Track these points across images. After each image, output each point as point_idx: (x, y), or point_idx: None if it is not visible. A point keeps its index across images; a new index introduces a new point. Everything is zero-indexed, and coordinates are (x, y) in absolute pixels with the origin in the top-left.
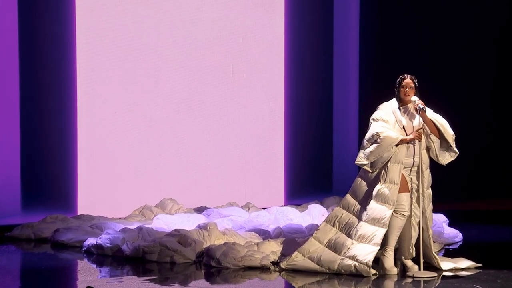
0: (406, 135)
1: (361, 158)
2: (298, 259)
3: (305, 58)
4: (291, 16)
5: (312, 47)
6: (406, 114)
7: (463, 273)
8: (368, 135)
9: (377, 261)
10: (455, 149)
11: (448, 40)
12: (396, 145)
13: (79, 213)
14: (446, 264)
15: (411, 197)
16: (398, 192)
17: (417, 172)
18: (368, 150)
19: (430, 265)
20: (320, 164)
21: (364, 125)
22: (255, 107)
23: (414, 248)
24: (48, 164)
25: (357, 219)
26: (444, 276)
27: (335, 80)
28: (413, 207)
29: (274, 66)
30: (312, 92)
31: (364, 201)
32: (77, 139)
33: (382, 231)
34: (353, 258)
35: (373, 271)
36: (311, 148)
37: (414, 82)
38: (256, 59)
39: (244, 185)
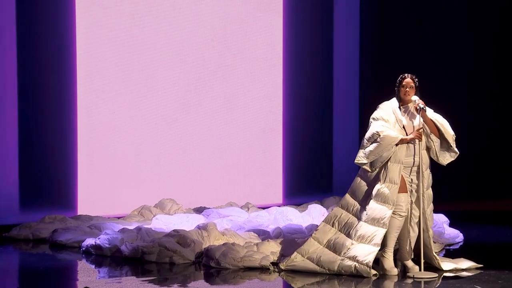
0: (406, 135)
1: (361, 157)
2: (297, 259)
3: (305, 57)
4: (290, 16)
5: (312, 46)
6: (406, 114)
7: (464, 273)
8: (368, 134)
9: (377, 262)
10: (455, 149)
11: (448, 40)
12: (396, 145)
13: (79, 213)
14: (447, 264)
15: (410, 198)
16: (397, 193)
17: (417, 172)
18: (368, 149)
19: (431, 266)
20: (320, 164)
21: (364, 124)
22: (254, 107)
23: (412, 249)
24: (47, 164)
25: (356, 219)
26: (444, 277)
27: (335, 79)
28: (412, 208)
29: (272, 66)
30: (311, 92)
31: (364, 201)
32: (77, 139)
33: (382, 231)
34: (353, 258)
35: (373, 271)
36: (311, 147)
37: (414, 82)
38: (254, 59)
39: (243, 184)
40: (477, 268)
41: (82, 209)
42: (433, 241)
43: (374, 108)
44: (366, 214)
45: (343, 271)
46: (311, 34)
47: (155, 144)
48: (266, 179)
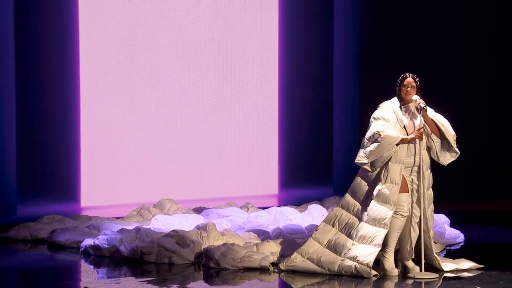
0: (407, 135)
1: (361, 157)
2: (297, 260)
3: (304, 56)
4: (290, 14)
5: (311, 45)
6: (407, 113)
7: (465, 274)
8: (368, 134)
9: (378, 262)
10: (456, 149)
11: (448, 40)
12: (397, 145)
13: (82, 213)
14: (448, 265)
15: (411, 198)
16: (398, 193)
17: (418, 172)
18: (368, 149)
19: (431, 266)
20: (319, 163)
21: (364, 124)
22: (254, 106)
23: (413, 250)
24: (50, 164)
25: (357, 220)
26: (445, 277)
27: (335, 78)
28: (413, 207)
29: (270, 65)
30: (312, 91)
31: (364, 201)
32: (80, 139)
33: (383, 231)
34: (353, 259)
35: (373, 272)
36: (310, 147)
37: (415, 81)
38: (253, 58)
39: (242, 184)
40: (478, 269)
41: (84, 211)
42: (434, 242)
43: (374, 107)
44: (367, 215)
45: (343, 272)
46: (311, 33)
47: (154, 144)
48: (265, 177)
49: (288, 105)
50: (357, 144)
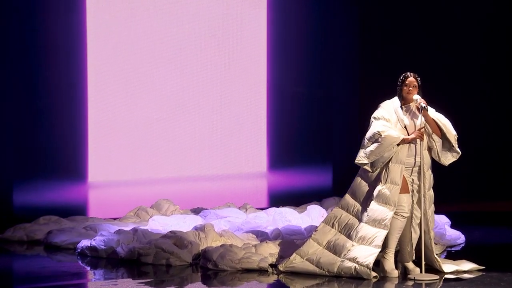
0: (408, 135)
1: (361, 157)
2: (296, 261)
3: (303, 55)
4: (289, 11)
5: (311, 44)
6: (408, 113)
7: (466, 275)
8: (368, 134)
9: (378, 264)
10: (457, 149)
11: (448, 39)
12: (398, 145)
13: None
14: (448, 266)
15: (412, 198)
16: (399, 193)
17: (419, 173)
18: (368, 149)
19: (432, 268)
20: (319, 163)
21: (365, 123)
22: (255, 106)
23: (414, 251)
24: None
25: (357, 220)
26: (446, 279)
27: (334, 78)
28: (413, 208)
29: (263, 64)
30: (312, 90)
31: (364, 202)
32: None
33: (383, 232)
34: (353, 260)
35: (373, 273)
36: (309, 147)
37: (417, 81)
38: (250, 57)
39: (241, 184)
40: (479, 270)
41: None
42: (435, 243)
43: (374, 107)
44: (367, 215)
45: (343, 273)
46: (311, 31)
47: (152, 144)
48: (263, 176)
49: (287, 105)
50: (358, 144)
